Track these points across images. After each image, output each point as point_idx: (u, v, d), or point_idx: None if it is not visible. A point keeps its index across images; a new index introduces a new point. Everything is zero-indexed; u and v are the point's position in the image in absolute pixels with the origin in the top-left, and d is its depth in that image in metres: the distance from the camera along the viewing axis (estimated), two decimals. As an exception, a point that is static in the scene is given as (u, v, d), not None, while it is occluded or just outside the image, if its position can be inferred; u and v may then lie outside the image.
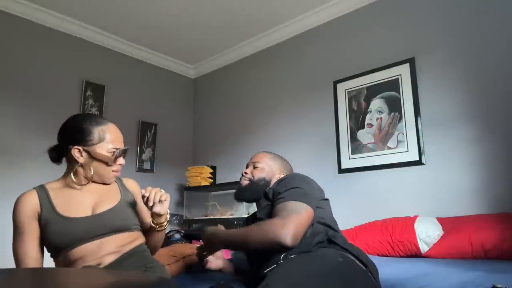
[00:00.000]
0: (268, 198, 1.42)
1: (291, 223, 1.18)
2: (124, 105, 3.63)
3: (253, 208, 1.59)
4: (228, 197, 3.57)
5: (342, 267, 1.11)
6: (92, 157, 1.29)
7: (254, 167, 1.58)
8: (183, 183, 3.85)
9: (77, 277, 0.93)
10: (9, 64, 2.97)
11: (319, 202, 1.36)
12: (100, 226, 1.24)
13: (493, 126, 2.22)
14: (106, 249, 1.23)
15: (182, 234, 3.46)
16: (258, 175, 1.55)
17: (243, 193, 1.56)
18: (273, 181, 1.54)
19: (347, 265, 1.14)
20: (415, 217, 2.20)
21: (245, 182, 1.56)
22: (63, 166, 1.35)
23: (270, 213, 1.32)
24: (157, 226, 1.33)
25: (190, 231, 3.56)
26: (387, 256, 2.10)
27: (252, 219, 1.49)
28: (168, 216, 1.35)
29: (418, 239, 2.02)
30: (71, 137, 1.29)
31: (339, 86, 2.97)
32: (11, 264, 1.26)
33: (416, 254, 2.03)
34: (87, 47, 3.45)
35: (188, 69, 4.29)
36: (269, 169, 1.58)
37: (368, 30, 2.88)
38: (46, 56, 3.18)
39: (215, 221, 3.44)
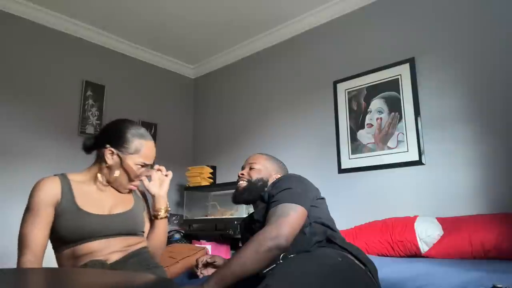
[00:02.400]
0: (264, 200, 1.41)
1: (279, 226, 1.16)
2: (124, 105, 3.62)
3: (252, 208, 1.59)
4: (228, 197, 3.52)
5: (341, 266, 1.11)
6: (121, 164, 1.32)
7: (251, 168, 1.57)
8: (183, 183, 3.85)
9: (79, 276, 0.93)
10: (9, 64, 2.97)
11: (315, 201, 1.35)
12: (112, 226, 1.28)
13: (493, 126, 2.22)
14: (113, 248, 1.26)
15: (182, 234, 3.47)
16: (255, 175, 1.54)
17: (241, 196, 1.54)
18: (270, 181, 1.53)
19: (346, 264, 1.14)
20: (415, 217, 2.20)
21: (243, 184, 1.55)
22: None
23: (266, 215, 1.32)
24: (157, 213, 1.41)
25: (190, 231, 3.56)
26: (387, 256, 2.11)
27: (249, 220, 1.49)
28: (169, 208, 1.45)
29: (418, 239, 2.03)
30: (111, 137, 1.33)
31: (339, 86, 2.97)
32: (10, 261, 1.26)
33: (416, 254, 2.03)
34: (87, 47, 3.45)
35: (188, 69, 4.28)
36: (265, 170, 1.57)
37: (368, 30, 2.88)
38: (46, 56, 3.17)
39: (215, 221, 3.45)
